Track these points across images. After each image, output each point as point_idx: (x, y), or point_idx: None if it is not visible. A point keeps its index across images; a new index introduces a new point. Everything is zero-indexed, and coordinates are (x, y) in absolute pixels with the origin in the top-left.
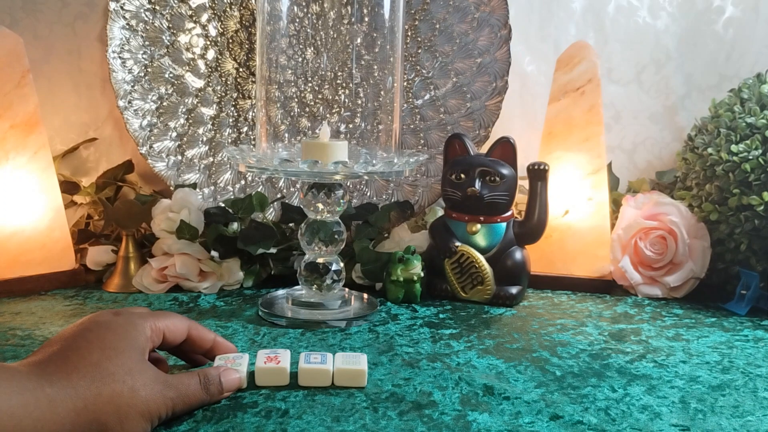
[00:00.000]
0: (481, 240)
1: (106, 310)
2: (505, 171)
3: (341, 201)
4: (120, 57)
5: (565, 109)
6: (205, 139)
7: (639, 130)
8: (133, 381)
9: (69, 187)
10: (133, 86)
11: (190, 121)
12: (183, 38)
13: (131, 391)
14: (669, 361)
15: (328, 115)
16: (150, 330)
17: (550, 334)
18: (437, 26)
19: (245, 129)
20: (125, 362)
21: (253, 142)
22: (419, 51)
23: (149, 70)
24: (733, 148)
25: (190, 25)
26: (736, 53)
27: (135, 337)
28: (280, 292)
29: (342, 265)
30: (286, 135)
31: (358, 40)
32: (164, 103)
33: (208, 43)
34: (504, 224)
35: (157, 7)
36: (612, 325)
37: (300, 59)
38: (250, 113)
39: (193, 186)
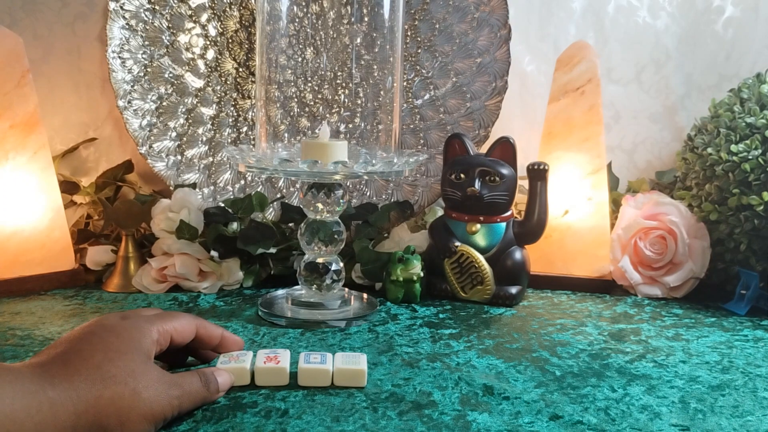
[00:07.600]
0: (480, 240)
1: (115, 312)
2: (504, 171)
3: (341, 201)
4: (120, 57)
5: (565, 109)
6: (204, 139)
7: (639, 130)
8: (135, 383)
9: (69, 187)
10: (132, 86)
11: (190, 121)
12: (183, 38)
13: (133, 393)
14: (669, 361)
15: (327, 115)
16: (157, 333)
17: (550, 334)
18: (437, 26)
19: (245, 129)
20: (127, 364)
21: (252, 142)
22: (419, 51)
23: (149, 70)
24: (733, 148)
25: (189, 24)
26: (735, 53)
27: (139, 340)
28: (280, 292)
29: (342, 264)
30: (286, 135)
31: (358, 40)
32: (164, 103)
33: (208, 43)
34: (504, 224)
35: (157, 7)
36: (612, 325)
37: (300, 59)
38: (250, 113)
39: (193, 186)
